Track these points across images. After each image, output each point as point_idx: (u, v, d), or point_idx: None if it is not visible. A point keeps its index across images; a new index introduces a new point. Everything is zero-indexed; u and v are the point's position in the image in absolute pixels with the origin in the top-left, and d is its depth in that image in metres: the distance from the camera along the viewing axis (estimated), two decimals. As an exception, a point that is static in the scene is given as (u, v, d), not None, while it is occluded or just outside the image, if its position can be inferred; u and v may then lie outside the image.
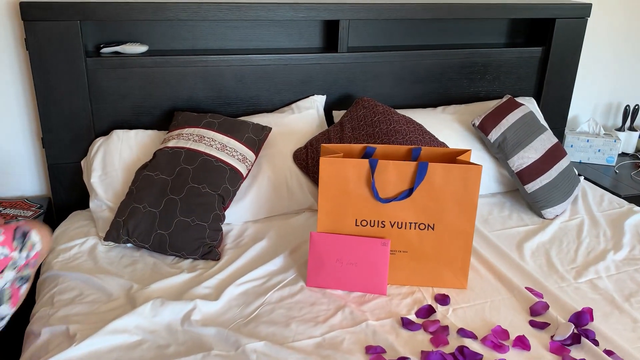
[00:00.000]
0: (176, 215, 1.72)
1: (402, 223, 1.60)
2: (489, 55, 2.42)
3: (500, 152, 2.13)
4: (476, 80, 2.46)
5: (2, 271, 1.21)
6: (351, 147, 1.66)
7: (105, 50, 2.01)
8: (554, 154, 2.13)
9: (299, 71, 2.19)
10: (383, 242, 1.58)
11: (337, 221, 1.60)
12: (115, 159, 1.93)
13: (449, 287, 1.64)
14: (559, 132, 2.65)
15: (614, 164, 2.67)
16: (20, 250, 1.23)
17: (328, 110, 2.27)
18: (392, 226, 1.60)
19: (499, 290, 1.63)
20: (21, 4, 1.81)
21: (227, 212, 1.89)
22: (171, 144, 1.86)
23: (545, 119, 2.52)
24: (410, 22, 2.37)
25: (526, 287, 1.62)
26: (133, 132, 2.00)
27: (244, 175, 1.88)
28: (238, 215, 1.93)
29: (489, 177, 2.21)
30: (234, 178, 1.84)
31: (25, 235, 1.26)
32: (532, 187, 2.07)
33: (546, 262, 1.80)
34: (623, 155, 2.80)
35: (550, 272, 1.74)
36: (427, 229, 1.60)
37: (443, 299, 1.57)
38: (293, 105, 2.19)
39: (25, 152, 2.12)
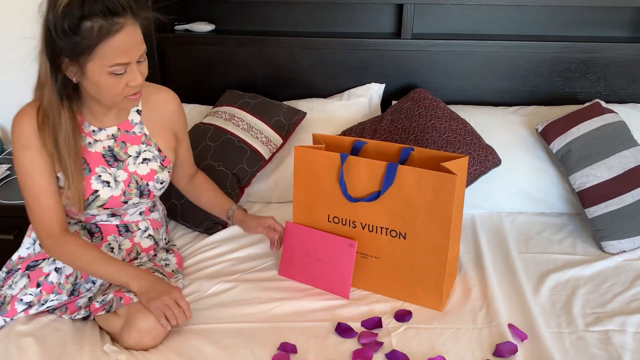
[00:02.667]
0: (188, 188, 1.83)
1: (372, 226, 1.48)
2: (593, 50, 2.05)
3: (563, 166, 1.81)
4: (573, 80, 2.10)
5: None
6: (341, 140, 1.58)
7: (177, 27, 2.20)
8: (636, 177, 1.74)
9: (357, 57, 2.12)
10: (350, 242, 1.49)
11: (310, 214, 1.56)
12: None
13: (423, 305, 1.48)
14: (690, 151, 2.13)
15: None
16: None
17: (389, 99, 2.16)
18: (363, 228, 1.50)
19: (475, 319, 1.42)
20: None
21: (252, 191, 1.95)
22: (206, 120, 1.97)
23: (669, 133, 2.05)
24: (503, 8, 2.11)
25: (509, 324, 1.39)
26: (190, 106, 2.15)
27: (266, 158, 1.91)
28: (263, 195, 1.97)
29: (552, 194, 1.89)
30: (254, 160, 1.88)
31: None
32: (593, 211, 1.73)
33: (565, 300, 1.51)
34: None
35: (561, 312, 1.46)
36: (399, 237, 1.46)
37: (402, 315, 1.43)
38: (346, 92, 2.14)
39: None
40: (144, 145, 1.48)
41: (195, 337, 1.37)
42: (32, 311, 1.40)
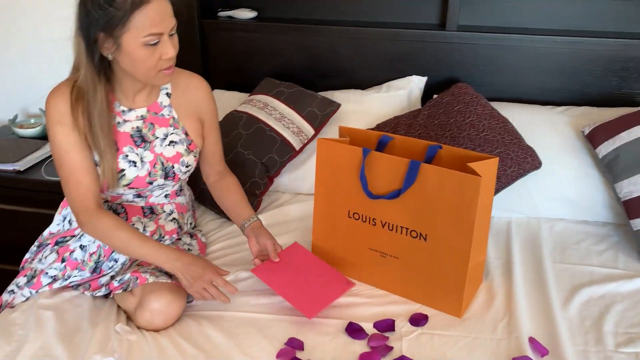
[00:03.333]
0: (217, 175, 1.83)
1: (393, 225, 1.43)
2: (654, 49, 1.90)
3: (609, 172, 1.69)
4: (631, 80, 1.96)
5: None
6: (368, 134, 1.54)
7: (221, 14, 2.20)
8: (691, 188, 1.61)
9: (399, 48, 2.06)
10: (347, 281, 1.46)
11: (331, 208, 1.52)
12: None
13: (441, 310, 1.42)
14: None
15: None
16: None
17: (430, 93, 2.08)
18: (383, 226, 1.45)
19: (494, 329, 1.35)
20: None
21: (281, 181, 1.93)
22: (241, 107, 1.97)
23: None
24: (556, 0, 1.98)
25: (530, 337, 1.31)
26: (228, 93, 2.15)
27: (297, 149, 1.89)
28: (292, 186, 1.96)
29: (597, 202, 1.77)
30: (283, 150, 1.86)
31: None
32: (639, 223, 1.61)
33: (597, 316, 1.41)
34: None
35: (589, 329, 1.36)
36: (419, 239, 1.40)
37: (417, 319, 1.38)
38: (385, 84, 2.08)
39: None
40: (172, 128, 1.50)
41: (206, 322, 1.37)
42: (55, 285, 1.44)
